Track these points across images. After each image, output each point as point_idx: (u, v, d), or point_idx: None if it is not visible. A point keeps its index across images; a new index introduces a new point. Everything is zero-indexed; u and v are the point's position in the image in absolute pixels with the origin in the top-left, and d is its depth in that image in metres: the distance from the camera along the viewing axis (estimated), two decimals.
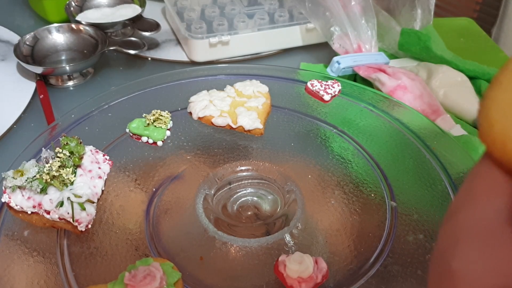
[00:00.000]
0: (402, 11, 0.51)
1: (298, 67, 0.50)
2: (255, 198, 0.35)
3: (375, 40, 0.48)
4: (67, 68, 0.47)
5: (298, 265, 0.27)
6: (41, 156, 0.31)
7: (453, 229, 0.12)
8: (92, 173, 0.31)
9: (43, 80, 0.48)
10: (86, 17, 0.54)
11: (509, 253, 0.11)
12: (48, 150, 0.31)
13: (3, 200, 0.29)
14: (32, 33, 0.50)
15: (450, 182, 0.34)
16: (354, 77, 0.48)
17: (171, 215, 0.32)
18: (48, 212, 0.29)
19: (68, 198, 0.29)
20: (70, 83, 0.49)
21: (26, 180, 0.29)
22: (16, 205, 0.29)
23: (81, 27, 0.51)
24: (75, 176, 0.30)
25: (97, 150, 0.33)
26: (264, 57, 0.54)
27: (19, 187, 0.29)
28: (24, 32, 0.51)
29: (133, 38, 0.50)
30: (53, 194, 0.29)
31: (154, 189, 0.33)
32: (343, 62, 0.46)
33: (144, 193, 0.33)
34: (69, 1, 0.54)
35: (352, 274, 0.28)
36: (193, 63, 0.52)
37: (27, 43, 0.50)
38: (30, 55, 0.49)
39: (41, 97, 0.46)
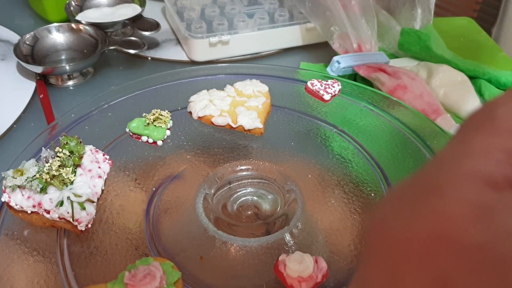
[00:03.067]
0: (402, 11, 0.51)
1: (298, 67, 0.50)
2: (255, 198, 0.35)
3: (375, 40, 0.48)
4: (67, 67, 0.47)
5: (298, 265, 0.27)
6: (41, 156, 0.31)
7: None
8: (92, 172, 0.31)
9: (43, 80, 0.48)
10: (86, 16, 0.54)
11: None
12: (48, 150, 0.31)
13: (3, 199, 0.29)
14: (32, 33, 0.50)
15: None
16: (354, 76, 0.48)
17: (171, 215, 0.32)
18: (48, 212, 0.29)
19: (68, 198, 0.29)
20: (70, 82, 0.49)
21: (26, 179, 0.29)
22: (16, 205, 0.29)
23: (81, 26, 0.51)
24: (75, 175, 0.30)
25: (97, 149, 0.33)
26: (264, 56, 0.54)
27: (19, 187, 0.29)
28: (24, 31, 0.51)
29: (133, 38, 0.50)
30: (53, 194, 0.29)
31: (154, 189, 0.33)
32: (343, 62, 0.46)
33: (144, 192, 0.33)
34: (69, 0, 0.54)
35: (352, 273, 0.28)
36: (193, 62, 0.52)
37: (27, 42, 0.50)
38: (30, 55, 0.49)
39: (41, 96, 0.46)
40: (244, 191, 0.35)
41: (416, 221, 0.11)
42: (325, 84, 0.41)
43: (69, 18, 0.54)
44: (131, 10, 0.54)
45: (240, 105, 0.38)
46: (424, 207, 0.11)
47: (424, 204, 0.11)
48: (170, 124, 0.38)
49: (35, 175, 0.29)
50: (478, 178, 0.10)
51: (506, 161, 0.11)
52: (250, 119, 0.37)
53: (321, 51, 0.53)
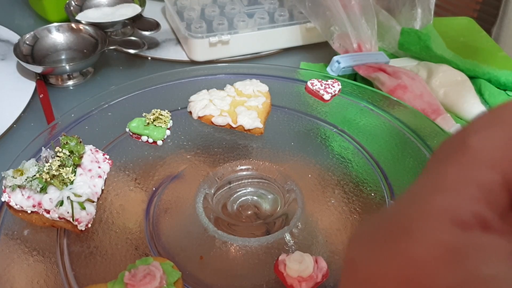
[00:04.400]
0: (402, 11, 0.51)
1: (298, 67, 0.50)
2: (255, 198, 0.35)
3: (375, 40, 0.48)
4: (67, 67, 0.47)
5: (298, 265, 0.27)
6: (41, 156, 0.31)
7: None
8: (92, 172, 0.31)
9: (43, 80, 0.48)
10: (86, 16, 0.54)
11: None
12: (48, 150, 0.31)
13: (3, 199, 0.29)
14: (32, 33, 0.50)
15: None
16: (354, 76, 0.48)
17: (171, 215, 0.32)
18: (48, 212, 0.29)
19: (68, 198, 0.29)
20: (70, 82, 0.49)
21: (26, 179, 0.29)
22: (16, 204, 0.29)
23: (81, 26, 0.51)
24: (75, 175, 0.30)
25: (97, 149, 0.33)
26: (264, 56, 0.54)
27: (19, 186, 0.29)
28: (24, 31, 0.51)
29: (133, 38, 0.50)
30: (53, 193, 0.29)
31: (154, 189, 0.33)
32: (343, 62, 0.46)
33: (144, 192, 0.33)
34: (69, 0, 0.54)
35: None
36: (193, 62, 0.52)
37: (27, 42, 0.50)
38: (30, 55, 0.49)
39: (41, 96, 0.46)
40: (244, 191, 0.35)
41: (384, 263, 0.10)
42: (325, 84, 0.41)
43: (69, 18, 0.54)
44: (131, 10, 0.54)
45: (240, 105, 0.38)
46: (393, 249, 0.10)
47: (392, 246, 0.10)
48: (170, 124, 0.37)
49: (35, 175, 0.29)
50: (448, 217, 0.10)
51: (478, 197, 0.10)
52: (250, 119, 0.37)
53: (321, 51, 0.53)
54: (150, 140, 0.36)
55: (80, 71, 0.49)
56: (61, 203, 0.28)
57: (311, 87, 0.41)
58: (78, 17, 0.53)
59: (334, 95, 0.41)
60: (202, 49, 0.50)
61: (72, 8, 0.54)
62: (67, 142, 0.31)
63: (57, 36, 0.51)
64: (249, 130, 0.37)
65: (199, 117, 0.38)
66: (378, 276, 0.10)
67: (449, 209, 0.10)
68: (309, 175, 0.34)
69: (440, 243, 0.10)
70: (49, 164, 0.29)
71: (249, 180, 0.35)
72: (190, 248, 0.30)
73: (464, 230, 0.10)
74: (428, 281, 0.10)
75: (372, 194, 0.33)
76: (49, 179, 0.29)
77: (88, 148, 0.32)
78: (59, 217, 0.29)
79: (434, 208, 0.10)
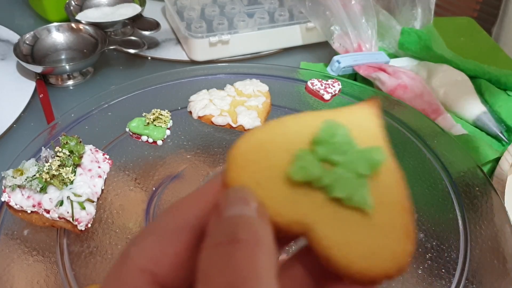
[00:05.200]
0: (402, 10, 0.51)
1: (298, 66, 0.50)
2: None
3: (375, 39, 0.48)
4: (67, 67, 0.47)
5: None
6: (40, 155, 0.31)
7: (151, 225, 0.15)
8: (92, 172, 0.31)
9: (43, 80, 0.48)
10: (86, 16, 0.54)
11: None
12: (48, 149, 0.31)
13: (2, 199, 0.29)
14: (32, 32, 0.50)
15: (450, 181, 0.34)
16: (355, 76, 0.48)
17: None
18: (48, 211, 0.29)
19: (68, 197, 0.29)
20: (70, 82, 0.49)
21: (26, 179, 0.29)
22: (16, 204, 0.29)
23: (81, 26, 0.51)
24: (74, 175, 0.30)
25: (97, 149, 0.33)
26: (264, 56, 0.54)
27: (19, 186, 0.29)
28: (24, 31, 0.51)
29: (133, 37, 0.50)
30: (53, 193, 0.29)
31: (154, 188, 0.33)
32: (343, 61, 0.46)
33: (144, 192, 0.33)
34: (68, 0, 0.54)
35: None
36: (193, 62, 0.52)
37: (27, 42, 0.49)
38: (30, 55, 0.49)
39: (40, 96, 0.46)
40: None
41: None
42: (325, 83, 0.41)
43: (69, 17, 0.53)
44: (131, 10, 0.54)
45: (240, 105, 0.38)
46: None
47: None
48: (170, 123, 0.37)
49: (35, 175, 0.29)
50: None
51: None
52: (250, 118, 0.37)
53: (321, 50, 0.53)
54: (150, 140, 0.36)
55: (80, 71, 0.49)
56: (61, 203, 0.28)
57: (311, 87, 0.41)
58: (78, 17, 0.53)
59: (334, 95, 0.41)
60: (202, 49, 0.50)
61: (72, 8, 0.54)
62: (67, 142, 0.31)
63: (57, 36, 0.51)
64: (249, 130, 0.37)
65: (199, 117, 0.38)
66: None
67: None
68: None
69: None
70: (49, 164, 0.29)
71: None
72: None
73: None
74: None
75: None
76: (49, 179, 0.29)
77: (88, 148, 0.32)
78: (59, 217, 0.29)
79: None
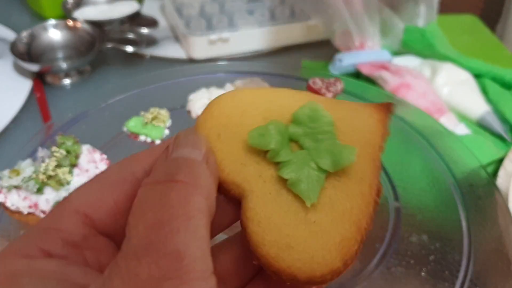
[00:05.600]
0: (406, 8, 0.51)
1: (299, 65, 0.49)
2: None
3: (378, 37, 0.47)
4: (64, 65, 0.46)
5: None
6: (37, 155, 0.30)
7: None
8: (89, 172, 0.30)
9: (39, 79, 0.47)
10: (83, 13, 0.53)
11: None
12: (45, 149, 0.30)
13: None
14: (28, 30, 0.49)
15: (454, 181, 0.33)
16: (357, 75, 0.47)
17: None
18: (45, 213, 0.28)
19: None
20: (67, 81, 0.48)
21: (22, 179, 0.28)
22: (12, 205, 0.29)
23: (78, 24, 0.51)
24: (71, 175, 0.29)
25: (94, 149, 0.32)
26: (265, 54, 0.53)
27: (15, 187, 0.29)
28: (20, 29, 0.50)
29: (131, 36, 0.50)
30: (50, 194, 0.28)
31: None
32: (346, 60, 0.45)
33: None
34: None
35: (355, 275, 0.28)
36: (192, 60, 0.51)
37: (24, 40, 0.49)
38: (27, 53, 0.49)
39: (37, 95, 0.45)
40: None
41: None
42: (327, 82, 0.41)
43: (66, 15, 0.53)
44: (129, 7, 0.54)
45: None
46: None
47: None
48: (168, 123, 0.37)
49: (31, 175, 0.28)
50: (14, 252, 0.13)
51: (48, 238, 0.14)
52: None
53: (323, 49, 0.52)
54: (149, 140, 0.36)
55: (78, 70, 0.49)
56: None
57: (313, 85, 0.41)
58: (75, 15, 0.52)
59: (336, 94, 0.40)
60: (201, 47, 0.50)
61: (69, 5, 0.53)
62: (63, 142, 0.30)
63: (54, 34, 0.51)
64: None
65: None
66: None
67: (19, 248, 0.13)
68: None
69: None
70: (45, 164, 0.29)
71: None
72: None
73: (27, 258, 0.13)
74: None
75: None
76: (45, 179, 0.28)
77: (85, 148, 0.31)
78: None
79: (11, 248, 0.14)
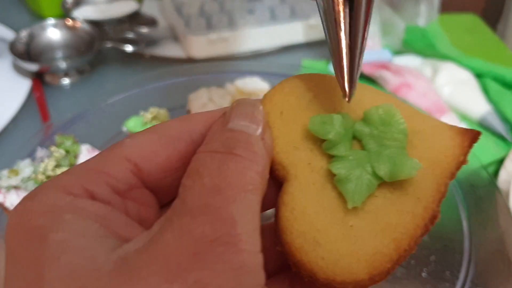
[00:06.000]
0: (406, 7, 0.50)
1: (299, 64, 0.49)
2: None
3: (379, 37, 0.47)
4: (63, 64, 0.46)
5: None
6: (36, 155, 0.30)
7: None
8: None
9: (39, 78, 0.47)
10: (83, 13, 0.53)
11: None
12: (44, 149, 0.30)
13: None
14: (27, 30, 0.49)
15: (455, 181, 0.33)
16: None
17: None
18: None
19: None
20: (66, 81, 0.48)
21: (21, 180, 0.28)
22: (11, 205, 0.28)
23: (78, 23, 0.50)
24: None
25: (94, 149, 0.32)
26: (265, 54, 0.53)
27: (15, 187, 0.28)
28: (19, 28, 0.50)
29: (130, 35, 0.50)
30: None
31: None
32: None
33: None
34: None
35: None
36: (191, 60, 0.51)
37: (23, 40, 0.49)
38: (26, 52, 0.49)
39: (36, 95, 0.45)
40: None
41: None
42: None
43: (65, 14, 0.53)
44: (128, 7, 0.54)
45: None
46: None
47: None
48: None
49: (30, 176, 0.28)
50: (60, 188, 0.13)
51: (95, 179, 0.13)
52: None
53: (323, 48, 0.52)
54: None
55: (77, 69, 0.48)
56: None
57: None
58: (74, 14, 0.52)
59: None
60: (201, 46, 0.50)
61: (68, 4, 0.53)
62: (63, 142, 0.30)
63: (53, 34, 0.50)
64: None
65: None
66: None
67: (63, 184, 0.13)
68: None
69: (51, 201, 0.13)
70: (44, 164, 0.29)
71: None
72: None
73: (71, 196, 0.13)
74: None
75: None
76: (44, 179, 0.28)
77: (85, 148, 0.31)
78: None
79: (53, 182, 0.13)
